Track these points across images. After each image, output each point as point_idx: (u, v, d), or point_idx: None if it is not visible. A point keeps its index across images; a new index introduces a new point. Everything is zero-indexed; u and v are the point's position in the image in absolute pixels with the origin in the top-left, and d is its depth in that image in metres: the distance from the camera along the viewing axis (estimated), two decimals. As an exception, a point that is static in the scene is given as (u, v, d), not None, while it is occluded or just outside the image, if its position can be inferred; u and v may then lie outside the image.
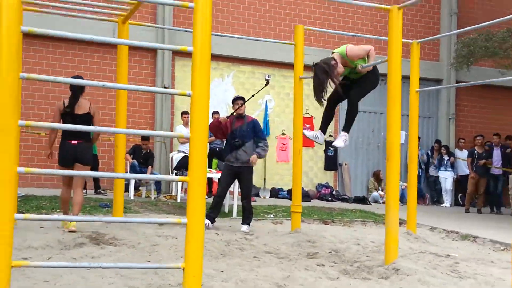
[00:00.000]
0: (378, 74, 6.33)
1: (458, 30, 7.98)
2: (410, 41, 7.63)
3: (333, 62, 5.91)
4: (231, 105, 8.15)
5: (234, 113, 7.96)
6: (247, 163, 7.83)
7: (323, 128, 6.41)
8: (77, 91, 6.65)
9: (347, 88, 6.26)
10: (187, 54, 12.87)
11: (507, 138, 13.98)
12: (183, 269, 3.44)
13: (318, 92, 5.83)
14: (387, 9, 5.50)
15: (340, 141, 6.20)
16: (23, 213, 7.51)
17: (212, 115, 11.24)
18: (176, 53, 12.91)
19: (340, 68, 6.01)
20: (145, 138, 11.40)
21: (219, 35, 8.37)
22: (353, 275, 5.15)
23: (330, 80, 5.82)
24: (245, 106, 8.04)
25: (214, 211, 7.84)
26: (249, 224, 7.91)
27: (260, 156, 7.93)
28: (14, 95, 3.03)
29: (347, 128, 6.27)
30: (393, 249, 5.36)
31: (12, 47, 3.03)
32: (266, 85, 7.77)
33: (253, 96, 8.37)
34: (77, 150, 6.69)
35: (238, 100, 7.91)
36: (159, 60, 12.83)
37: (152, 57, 12.85)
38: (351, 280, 4.96)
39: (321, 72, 5.79)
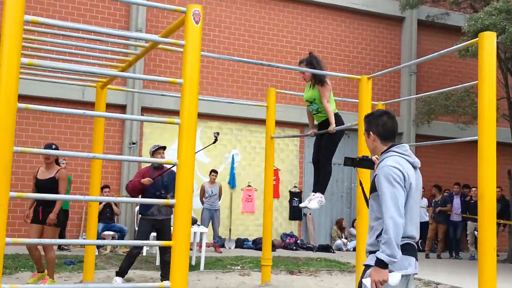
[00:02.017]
0: (342, 122, 6.49)
1: (419, 95, 8.53)
2: (376, 103, 8.05)
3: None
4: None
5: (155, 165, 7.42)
6: (169, 215, 7.38)
7: (316, 187, 6.50)
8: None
9: (318, 138, 6.56)
10: (156, 111, 13.09)
11: (465, 187, 14.46)
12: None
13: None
14: (358, 79, 5.88)
15: (314, 202, 6.22)
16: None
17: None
18: (145, 109, 13.07)
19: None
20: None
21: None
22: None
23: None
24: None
25: (128, 266, 7.32)
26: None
27: None
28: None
29: (320, 188, 6.36)
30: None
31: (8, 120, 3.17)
32: (214, 142, 7.50)
33: (201, 150, 7.87)
34: (44, 215, 6.80)
35: (161, 150, 7.46)
36: (127, 116, 12.94)
37: (121, 113, 12.92)
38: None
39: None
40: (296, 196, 14.42)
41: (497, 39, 11.06)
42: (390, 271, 3.10)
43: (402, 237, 3.19)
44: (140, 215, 7.35)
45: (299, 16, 14.91)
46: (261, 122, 8.07)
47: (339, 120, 6.44)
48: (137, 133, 13.03)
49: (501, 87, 13.80)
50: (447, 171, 16.15)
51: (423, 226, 14.66)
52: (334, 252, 13.45)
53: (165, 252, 7.10)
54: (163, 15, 13.49)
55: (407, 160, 3.34)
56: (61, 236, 11.04)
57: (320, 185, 6.38)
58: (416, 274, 3.29)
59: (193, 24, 3.84)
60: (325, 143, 6.41)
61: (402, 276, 3.14)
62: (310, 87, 6.56)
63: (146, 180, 7.05)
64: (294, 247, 13.61)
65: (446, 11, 14.81)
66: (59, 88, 11.71)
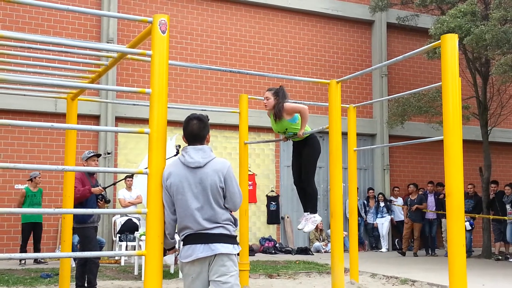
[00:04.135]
0: (318, 142, 6.53)
1: (390, 96, 8.63)
2: (347, 105, 8.12)
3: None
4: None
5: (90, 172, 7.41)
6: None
7: (306, 206, 6.52)
8: None
9: (298, 153, 6.55)
10: (130, 120, 13.02)
11: (438, 185, 14.64)
12: None
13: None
14: (327, 83, 5.93)
15: (310, 225, 6.31)
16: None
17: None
18: (119, 119, 13.00)
19: (285, 111, 6.27)
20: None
21: (169, 107, 8.53)
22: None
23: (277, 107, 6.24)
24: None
25: (95, 276, 7.23)
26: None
27: None
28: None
29: (312, 208, 6.40)
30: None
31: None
32: (175, 155, 7.46)
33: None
34: None
35: (95, 157, 7.43)
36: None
37: (95, 124, 12.85)
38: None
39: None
40: (273, 200, 14.46)
41: (463, 41, 11.42)
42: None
43: (181, 230, 3.81)
44: (81, 225, 7.10)
45: (270, 22, 14.99)
46: (236, 128, 8.09)
47: (314, 141, 6.46)
48: (112, 142, 12.94)
49: (470, 87, 14.06)
50: (421, 170, 16.37)
51: (399, 224, 14.87)
52: (312, 254, 13.52)
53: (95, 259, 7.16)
54: (134, 25, 13.44)
55: (180, 161, 3.83)
56: (37, 249, 10.96)
57: (311, 205, 6.42)
58: (205, 257, 3.73)
59: (159, 34, 3.85)
60: (305, 162, 6.42)
61: (193, 261, 3.73)
62: (274, 120, 6.47)
63: (97, 190, 7.15)
64: (273, 251, 13.64)
65: (415, 13, 15.03)
66: (31, 100, 11.62)
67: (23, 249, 10.70)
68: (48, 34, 12.48)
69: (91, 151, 7.51)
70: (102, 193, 7.32)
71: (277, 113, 6.28)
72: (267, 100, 6.40)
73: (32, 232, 10.90)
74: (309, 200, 6.44)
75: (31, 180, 10.94)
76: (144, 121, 12.58)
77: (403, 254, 13.58)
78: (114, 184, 8.75)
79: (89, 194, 7.11)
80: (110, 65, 5.24)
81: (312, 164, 6.44)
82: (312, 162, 6.44)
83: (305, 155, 6.43)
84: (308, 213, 6.42)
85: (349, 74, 13.80)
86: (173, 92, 13.55)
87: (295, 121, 6.37)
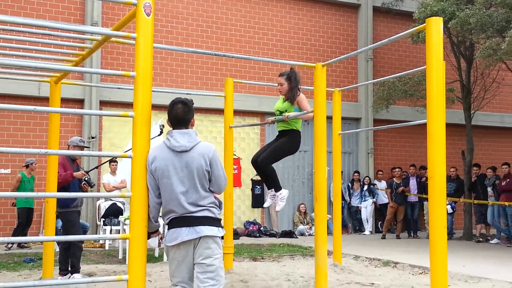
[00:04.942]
0: (298, 141, 6.50)
1: (376, 80, 8.61)
2: (332, 89, 8.14)
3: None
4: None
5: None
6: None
7: (268, 185, 6.53)
8: None
9: (275, 140, 6.56)
10: (115, 104, 12.93)
11: (421, 168, 14.76)
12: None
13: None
14: (312, 66, 5.92)
15: (280, 203, 6.32)
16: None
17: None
18: (104, 103, 12.91)
19: (297, 101, 6.34)
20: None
21: (153, 91, 8.49)
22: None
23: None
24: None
25: (79, 260, 7.19)
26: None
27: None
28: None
29: (276, 186, 6.41)
30: (323, 285, 5.66)
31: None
32: (159, 134, 7.36)
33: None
34: None
35: (84, 148, 7.38)
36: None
37: (79, 107, 12.74)
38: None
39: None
40: (258, 184, 14.49)
41: (447, 24, 11.45)
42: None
43: (166, 213, 3.85)
44: (64, 209, 7.03)
45: (256, 6, 14.90)
46: (222, 112, 8.09)
47: (296, 137, 6.46)
48: (96, 126, 12.86)
49: (454, 70, 14.15)
50: (405, 153, 16.49)
51: (382, 207, 15.00)
52: (297, 238, 13.60)
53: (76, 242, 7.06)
54: (119, 8, 13.29)
55: (166, 145, 3.83)
56: (25, 234, 10.93)
57: (274, 183, 6.41)
58: (190, 239, 3.77)
59: (144, 17, 3.82)
60: (275, 147, 6.42)
61: (179, 244, 3.77)
62: (283, 100, 6.53)
63: (80, 174, 7.15)
64: (258, 234, 13.70)
65: (400, -3, 15.04)
66: (13, 84, 11.47)
67: (23, 234, 10.70)
68: (31, 17, 12.29)
69: (82, 139, 7.44)
70: (86, 178, 7.28)
71: (291, 98, 6.34)
72: (281, 86, 6.44)
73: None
74: (270, 180, 6.43)
75: (27, 166, 10.93)
76: (129, 105, 12.49)
77: (384, 237, 13.70)
78: (96, 167, 8.71)
79: (71, 179, 7.08)
80: (94, 48, 5.19)
81: (279, 152, 6.41)
82: (281, 151, 6.42)
83: (280, 142, 6.44)
84: (273, 190, 6.42)
85: (334, 58, 13.82)
86: (158, 75, 13.46)
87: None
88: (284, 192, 6.41)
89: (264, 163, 6.31)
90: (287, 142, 6.40)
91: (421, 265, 8.38)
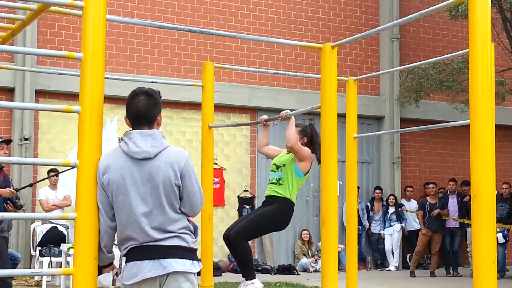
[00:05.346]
0: (289, 214, 6.65)
1: (403, 67, 8.64)
2: (346, 78, 8.14)
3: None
4: None
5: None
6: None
7: (240, 269, 6.75)
8: None
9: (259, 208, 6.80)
10: (56, 95, 12.90)
11: (464, 184, 14.82)
12: None
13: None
14: (318, 48, 5.92)
15: None
16: None
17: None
18: (40, 93, 12.87)
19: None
20: None
21: (107, 78, 8.50)
22: None
23: None
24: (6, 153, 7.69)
25: None
26: None
27: None
28: None
29: (248, 273, 6.49)
30: None
31: None
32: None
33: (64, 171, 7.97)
34: None
35: (3, 144, 7.49)
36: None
37: (8, 99, 12.70)
38: None
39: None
40: (247, 202, 14.51)
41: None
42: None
43: (123, 241, 3.83)
44: None
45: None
46: (199, 106, 8.08)
47: (288, 208, 6.60)
48: (31, 124, 12.84)
49: (507, 56, 14.22)
50: (442, 164, 16.53)
51: (412, 235, 15.01)
52: (298, 274, 13.63)
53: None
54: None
55: (122, 150, 3.83)
56: None
57: (247, 268, 6.51)
58: (154, 276, 3.74)
59: (94, -22, 3.82)
60: (255, 217, 6.58)
61: (139, 283, 3.73)
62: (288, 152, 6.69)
63: (6, 192, 7.19)
64: (246, 270, 13.69)
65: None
66: None
67: None
68: None
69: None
70: (13, 196, 7.26)
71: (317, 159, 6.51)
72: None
73: None
74: (242, 262, 6.55)
75: None
76: (74, 96, 12.45)
77: (413, 274, 13.72)
78: (31, 185, 8.68)
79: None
80: (28, 21, 5.18)
81: (260, 226, 6.58)
82: (263, 224, 6.57)
83: (263, 211, 6.58)
84: (244, 279, 6.49)
85: (348, 37, 13.88)
86: (114, 58, 13.46)
87: (301, 176, 6.64)
88: (257, 284, 6.42)
89: (237, 239, 6.38)
90: (273, 213, 6.51)
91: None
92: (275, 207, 6.51)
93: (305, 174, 6.70)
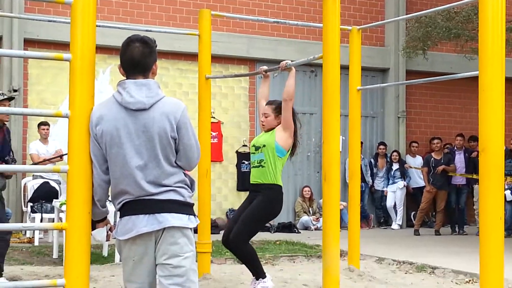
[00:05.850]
0: (278, 200, 6.67)
1: (410, 15, 8.54)
2: (349, 27, 8.09)
3: None
4: None
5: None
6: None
7: (249, 269, 6.78)
8: None
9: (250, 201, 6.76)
10: (45, 44, 12.83)
11: (471, 140, 14.71)
12: None
13: None
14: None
15: None
16: None
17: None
18: (29, 42, 12.80)
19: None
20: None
21: (98, 26, 8.45)
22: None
23: None
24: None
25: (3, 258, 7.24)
26: None
27: None
28: None
29: (257, 273, 6.57)
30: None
31: None
32: None
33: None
34: None
35: (5, 101, 7.23)
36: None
37: (-6, 47, 12.65)
38: None
39: None
40: (246, 158, 14.50)
41: None
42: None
43: (117, 196, 3.84)
44: None
45: None
46: (195, 57, 8.07)
47: (275, 195, 6.61)
48: (20, 75, 12.80)
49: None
50: (449, 119, 16.51)
51: (417, 192, 15.07)
52: (299, 232, 13.74)
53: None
54: None
55: (116, 100, 3.78)
56: None
57: (256, 269, 6.58)
58: (150, 231, 3.75)
59: None
60: (246, 217, 6.55)
61: (134, 238, 3.75)
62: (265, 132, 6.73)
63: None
64: (245, 228, 13.79)
65: None
66: None
67: None
68: None
69: (1, 92, 7.32)
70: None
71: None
72: (266, 118, 6.64)
73: None
74: (251, 264, 6.62)
75: None
76: (64, 45, 12.37)
77: (418, 233, 13.80)
78: (61, 156, 8.46)
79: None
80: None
81: (254, 224, 6.64)
82: (256, 221, 6.64)
83: (251, 209, 6.57)
84: (254, 278, 6.57)
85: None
86: (107, 5, 13.36)
87: (283, 154, 6.58)
88: (269, 283, 6.52)
89: (238, 244, 6.47)
90: (264, 205, 6.56)
91: (468, 271, 8.47)
92: (262, 199, 6.55)
93: (287, 152, 6.68)
